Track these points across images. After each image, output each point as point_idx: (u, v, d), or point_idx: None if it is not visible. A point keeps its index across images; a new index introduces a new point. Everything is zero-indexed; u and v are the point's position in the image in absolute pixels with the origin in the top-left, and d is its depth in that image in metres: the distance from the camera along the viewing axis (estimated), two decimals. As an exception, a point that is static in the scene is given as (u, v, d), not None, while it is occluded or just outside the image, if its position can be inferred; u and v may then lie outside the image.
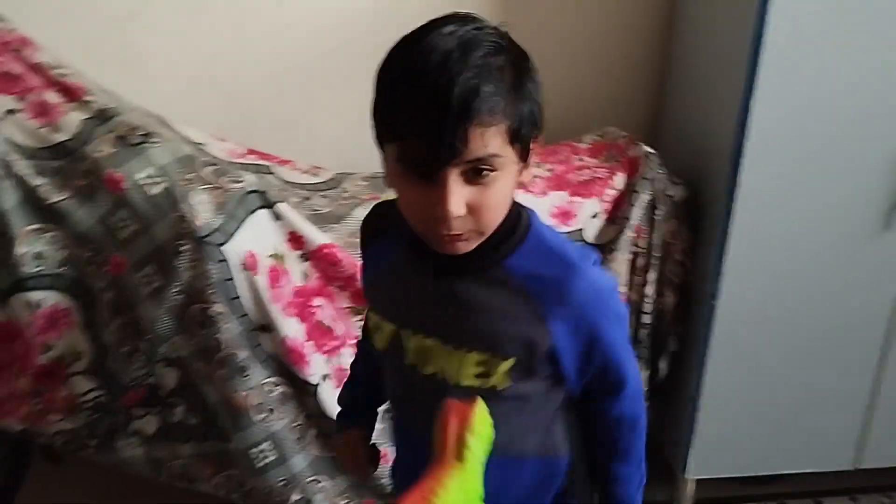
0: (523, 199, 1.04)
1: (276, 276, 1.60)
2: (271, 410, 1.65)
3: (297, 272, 1.65)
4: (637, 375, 1.10)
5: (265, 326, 1.61)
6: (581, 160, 1.98)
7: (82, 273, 1.54)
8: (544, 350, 1.00)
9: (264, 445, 1.66)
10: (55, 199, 1.51)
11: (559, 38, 2.15)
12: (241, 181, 1.58)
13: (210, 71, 2.04)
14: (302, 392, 1.66)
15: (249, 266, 1.55)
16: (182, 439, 1.66)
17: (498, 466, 1.01)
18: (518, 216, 1.01)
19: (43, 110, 1.54)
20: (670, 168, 1.96)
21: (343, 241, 1.71)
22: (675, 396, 2.09)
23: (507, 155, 0.90)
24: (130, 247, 1.52)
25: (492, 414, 0.99)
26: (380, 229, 1.11)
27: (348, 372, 1.32)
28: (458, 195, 0.88)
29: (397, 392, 1.13)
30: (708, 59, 1.96)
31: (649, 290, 1.95)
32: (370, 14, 2.01)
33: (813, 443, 2.11)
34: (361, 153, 2.05)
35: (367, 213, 1.16)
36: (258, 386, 1.62)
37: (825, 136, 1.78)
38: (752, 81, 1.72)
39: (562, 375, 1.04)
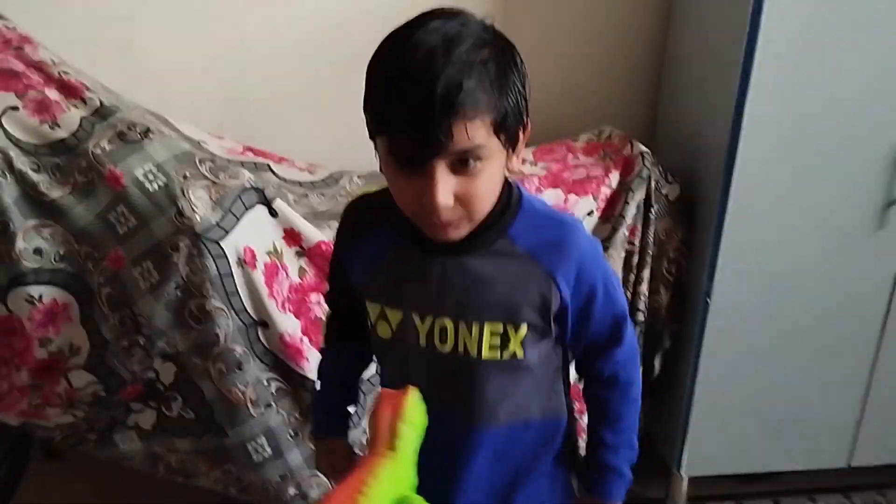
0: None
1: (273, 272, 1.61)
2: (268, 405, 1.66)
3: (294, 268, 1.66)
4: (633, 341, 1.15)
5: (262, 322, 1.62)
6: (576, 159, 1.99)
7: (81, 268, 1.55)
8: (556, 309, 1.06)
9: (261, 440, 1.67)
10: (55, 195, 1.52)
11: (556, 37, 2.16)
12: (238, 178, 1.59)
13: (209, 69, 2.06)
14: (299, 387, 1.67)
15: (247, 262, 1.57)
16: (179, 434, 1.67)
17: (508, 431, 1.11)
18: (509, 190, 1.06)
19: (43, 107, 1.55)
20: (665, 167, 1.97)
21: (340, 239, 1.73)
22: (669, 394, 2.11)
23: (493, 145, 0.94)
24: (129, 242, 1.53)
25: (507, 382, 1.08)
26: (366, 223, 1.13)
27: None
28: (446, 186, 0.92)
29: (410, 374, 1.12)
30: (703, 59, 1.98)
31: (643, 287, 1.97)
32: (369, 13, 2.02)
33: (807, 440, 2.13)
34: (359, 151, 2.08)
35: (348, 207, 1.18)
36: (255, 381, 1.63)
37: (818, 135, 1.80)
38: (745, 81, 1.74)
39: (565, 334, 1.10)
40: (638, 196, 1.92)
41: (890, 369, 2.05)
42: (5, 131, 1.52)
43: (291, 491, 1.74)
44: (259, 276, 1.58)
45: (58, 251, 1.53)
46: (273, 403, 1.66)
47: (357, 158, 2.02)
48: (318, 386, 1.32)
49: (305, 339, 1.66)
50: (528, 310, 1.05)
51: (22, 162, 1.52)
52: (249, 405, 1.64)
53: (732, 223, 1.86)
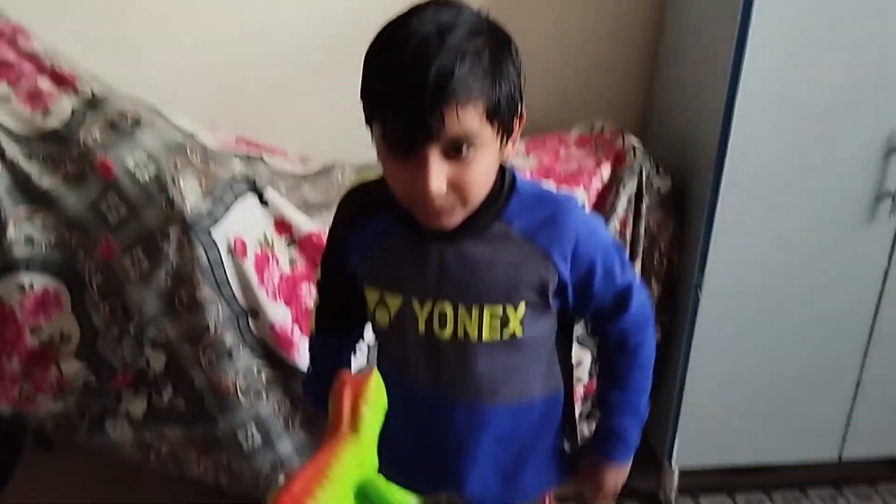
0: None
1: (263, 261, 1.62)
2: (258, 394, 1.67)
3: (285, 258, 1.67)
4: (642, 308, 1.16)
5: (253, 311, 1.63)
6: (568, 151, 2.00)
7: (72, 257, 1.56)
8: (554, 287, 1.08)
9: (251, 429, 1.68)
10: (46, 184, 1.54)
11: (550, 30, 2.16)
12: (229, 167, 1.60)
13: (203, 61, 2.07)
14: (289, 377, 1.68)
15: (237, 251, 1.57)
16: (170, 422, 1.68)
17: (512, 411, 1.14)
18: (503, 174, 1.07)
19: (35, 97, 1.57)
20: (657, 160, 1.98)
21: (331, 229, 1.73)
22: (659, 386, 2.11)
23: (486, 132, 0.95)
24: (120, 231, 1.54)
25: (507, 361, 1.10)
26: (363, 211, 1.14)
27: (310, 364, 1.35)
28: (439, 172, 0.93)
29: (409, 361, 1.14)
30: (696, 52, 1.98)
31: (634, 280, 1.97)
32: (363, 5, 2.02)
33: (798, 433, 2.13)
34: (351, 143, 2.09)
35: (345, 197, 1.19)
36: (245, 370, 1.64)
37: (809, 129, 1.80)
38: (737, 74, 1.74)
39: (566, 307, 1.12)
40: (629, 189, 1.92)
41: (881, 362, 2.05)
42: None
43: (282, 479, 1.74)
44: (249, 265, 1.59)
45: (49, 239, 1.54)
46: (263, 392, 1.67)
47: (350, 150, 2.03)
48: (310, 367, 1.34)
49: (296, 329, 1.67)
50: (527, 290, 1.07)
51: (13, 151, 1.53)
52: (240, 394, 1.65)
53: (723, 216, 1.86)
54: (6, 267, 1.52)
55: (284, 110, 2.14)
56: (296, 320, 1.66)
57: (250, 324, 1.63)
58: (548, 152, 1.99)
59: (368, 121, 0.97)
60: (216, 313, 1.58)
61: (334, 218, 1.20)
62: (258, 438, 1.69)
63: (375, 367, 0.90)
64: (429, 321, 1.09)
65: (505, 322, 1.08)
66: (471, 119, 0.91)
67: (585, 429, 2.06)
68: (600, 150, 1.99)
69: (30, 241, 1.53)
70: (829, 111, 1.79)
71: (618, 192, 1.91)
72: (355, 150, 2.01)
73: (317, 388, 1.31)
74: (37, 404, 1.61)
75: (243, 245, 1.58)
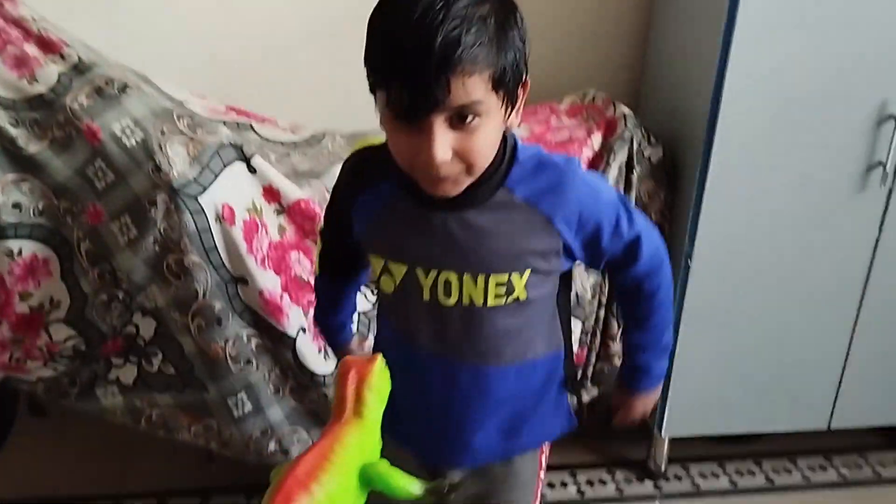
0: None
1: (252, 228, 1.62)
2: (248, 361, 1.67)
3: (274, 226, 1.67)
4: (655, 253, 1.18)
5: (242, 278, 1.63)
6: (559, 121, 1.99)
7: (60, 223, 1.56)
8: (559, 251, 1.09)
9: (241, 395, 1.69)
10: (33, 150, 1.53)
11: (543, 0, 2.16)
12: (216, 134, 1.60)
13: (194, 30, 2.06)
14: (279, 344, 1.69)
15: (225, 218, 1.57)
16: (160, 388, 1.69)
17: (516, 371, 1.15)
18: (504, 141, 1.07)
19: (21, 62, 1.56)
20: (649, 129, 1.97)
21: (321, 197, 1.73)
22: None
23: (491, 101, 0.94)
24: (107, 197, 1.54)
25: (511, 323, 1.11)
26: (366, 176, 1.14)
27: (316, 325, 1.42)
28: (443, 141, 0.93)
29: (413, 326, 1.15)
30: (688, 22, 1.97)
31: (625, 249, 1.97)
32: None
33: (788, 402, 2.14)
34: (342, 112, 2.09)
35: (350, 160, 1.19)
36: (235, 337, 1.64)
37: (800, 99, 1.79)
38: (727, 45, 1.73)
39: (572, 266, 1.14)
40: (620, 158, 1.92)
41: (870, 331, 2.06)
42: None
43: (272, 446, 1.76)
44: (238, 232, 1.59)
45: (37, 206, 1.55)
46: (253, 360, 1.68)
47: (341, 119, 2.03)
48: (316, 303, 1.40)
49: (286, 297, 1.67)
50: (532, 257, 1.08)
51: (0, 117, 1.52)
52: (229, 361, 1.66)
53: (714, 185, 1.86)
54: (-6, 233, 1.52)
55: (275, 80, 2.13)
56: (285, 288, 1.67)
57: (239, 291, 1.63)
58: (539, 122, 1.99)
59: (372, 88, 0.97)
60: (205, 280, 1.58)
61: (339, 179, 1.20)
62: (248, 405, 1.70)
63: (380, 354, 0.90)
64: (433, 289, 1.09)
65: (510, 289, 1.08)
66: (476, 88, 0.91)
67: (585, 395, 2.08)
68: (591, 119, 1.98)
69: (17, 207, 1.53)
70: (820, 81, 1.78)
71: (608, 161, 1.91)
72: (346, 118, 2.02)
73: (324, 322, 1.40)
74: (27, 370, 1.62)
75: (231, 212, 1.58)
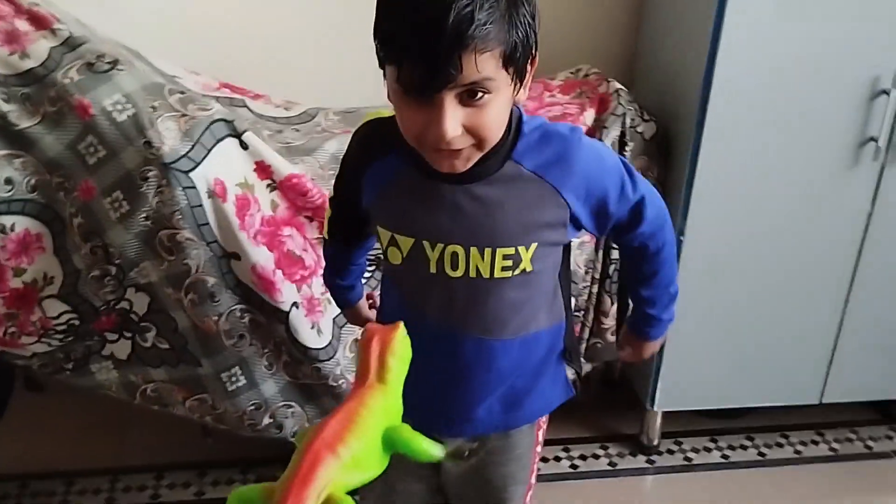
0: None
1: (244, 204, 1.62)
2: (241, 336, 1.68)
3: (266, 202, 1.67)
4: (657, 213, 1.19)
5: (234, 254, 1.63)
6: (553, 97, 1.99)
7: (52, 198, 1.57)
8: (566, 222, 1.10)
9: (235, 370, 1.70)
10: (24, 125, 1.53)
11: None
12: (208, 109, 1.60)
13: (187, 6, 2.05)
14: (272, 319, 1.69)
15: (217, 193, 1.58)
16: (154, 363, 1.70)
17: (520, 346, 1.17)
18: (510, 114, 1.06)
19: (12, 38, 1.55)
20: (642, 105, 1.97)
21: (313, 173, 1.73)
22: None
23: (501, 77, 0.95)
24: (99, 172, 1.54)
25: (516, 295, 1.12)
26: (375, 148, 1.14)
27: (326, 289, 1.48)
28: (454, 117, 0.94)
29: (419, 296, 1.16)
30: (681, -2, 1.97)
31: (617, 224, 1.97)
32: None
33: (779, 377, 2.16)
34: (336, 88, 2.09)
35: (360, 131, 1.19)
36: (228, 312, 1.65)
37: (793, 74, 1.80)
38: (720, 20, 1.74)
39: (576, 236, 1.15)
40: (612, 134, 1.92)
41: (862, 306, 2.07)
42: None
43: (266, 420, 1.77)
44: (230, 207, 1.59)
45: (29, 181, 1.55)
46: (246, 335, 1.69)
47: (334, 95, 2.03)
48: (326, 267, 1.42)
49: (278, 272, 1.67)
50: (540, 229, 1.09)
51: (-9, 92, 1.52)
52: (223, 336, 1.66)
53: (706, 161, 1.86)
54: (-14, 209, 1.53)
55: (268, 56, 2.13)
56: (278, 264, 1.67)
57: (232, 266, 1.64)
58: (532, 98, 1.99)
59: (381, 62, 0.97)
60: (197, 256, 1.59)
61: (348, 149, 1.21)
62: (241, 380, 1.71)
63: (402, 322, 0.91)
64: (440, 261, 1.10)
65: (517, 262, 1.09)
66: (488, 65, 0.91)
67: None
68: (585, 95, 1.98)
69: (9, 182, 1.53)
70: (813, 56, 1.78)
71: (601, 137, 1.91)
72: (340, 94, 2.02)
73: (332, 284, 1.43)
74: (21, 345, 1.63)
75: (223, 188, 1.59)
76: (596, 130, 1.92)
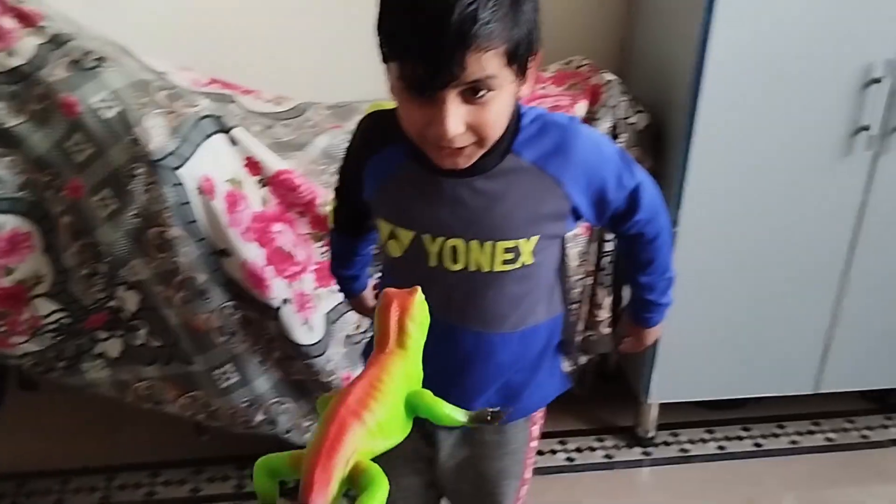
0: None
1: (233, 200, 1.61)
2: (233, 333, 1.68)
3: (256, 198, 1.66)
4: (652, 201, 1.19)
5: (224, 251, 1.62)
6: (543, 89, 1.98)
7: (41, 197, 1.56)
8: (566, 213, 1.10)
9: (227, 367, 1.70)
10: (11, 124, 1.52)
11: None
12: (196, 105, 1.59)
13: (178, 3, 2.04)
14: (263, 315, 1.69)
15: (206, 190, 1.57)
16: (146, 361, 1.69)
17: (519, 339, 1.17)
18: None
19: (-2, 35, 1.55)
20: (635, 96, 1.96)
21: (304, 169, 1.73)
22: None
23: (504, 75, 0.94)
24: (87, 171, 1.53)
25: (516, 289, 1.12)
26: (382, 139, 1.13)
27: (332, 277, 1.47)
28: (456, 115, 0.94)
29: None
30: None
31: (610, 216, 1.97)
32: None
33: (774, 367, 2.15)
34: (327, 83, 2.08)
35: (363, 122, 1.19)
36: (219, 309, 1.64)
37: (785, 63, 1.79)
38: (711, 10, 1.72)
39: (574, 227, 1.16)
40: (604, 125, 1.91)
41: (856, 296, 2.06)
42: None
43: (259, 417, 1.77)
44: (219, 204, 1.58)
45: (17, 180, 1.54)
46: (238, 331, 1.68)
47: (326, 89, 2.02)
48: (332, 256, 1.43)
49: (269, 269, 1.67)
50: (541, 221, 1.09)
51: (-24, 90, 1.52)
52: (214, 333, 1.66)
53: (699, 152, 1.85)
54: (-26, 208, 1.52)
55: (260, 51, 2.12)
56: (268, 260, 1.66)
57: (222, 263, 1.63)
58: (523, 90, 1.98)
59: (384, 58, 0.96)
60: (187, 253, 1.58)
61: (352, 140, 1.21)
62: (234, 376, 1.71)
63: (419, 287, 0.91)
64: (440, 255, 1.10)
65: (517, 255, 1.09)
66: (491, 63, 0.91)
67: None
68: (577, 87, 1.97)
69: (-3, 181, 1.53)
70: (805, 45, 1.77)
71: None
72: (330, 89, 2.02)
73: (338, 273, 1.45)
74: (12, 345, 1.62)
75: (212, 185, 1.58)
76: (588, 122, 1.91)
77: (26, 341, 1.62)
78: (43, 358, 1.67)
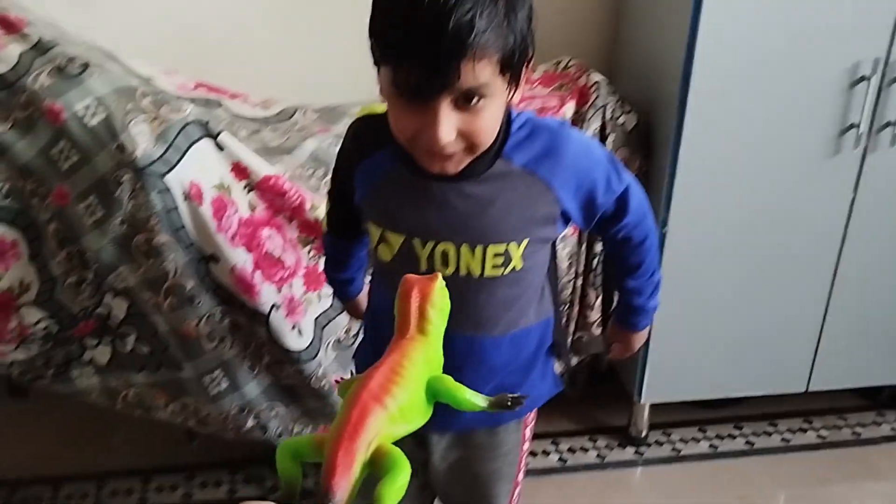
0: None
1: (221, 206, 1.61)
2: (222, 339, 1.67)
3: (244, 203, 1.66)
4: (640, 199, 1.19)
5: (213, 256, 1.62)
6: (531, 90, 1.98)
7: (27, 205, 1.55)
8: (557, 217, 1.10)
9: (216, 373, 1.69)
10: (-4, 132, 1.52)
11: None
12: (182, 111, 1.58)
13: (165, 5, 2.03)
14: (252, 321, 1.68)
15: (193, 196, 1.56)
16: (135, 368, 1.69)
17: (510, 343, 1.17)
18: None
19: (-19, 43, 1.54)
20: (623, 96, 1.96)
21: (292, 173, 1.72)
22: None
23: (498, 83, 0.94)
24: (73, 178, 1.52)
25: (506, 293, 1.13)
26: (373, 143, 1.13)
27: (326, 281, 1.49)
28: (449, 122, 0.94)
29: None
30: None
31: (600, 217, 1.97)
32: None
33: (766, 366, 2.16)
34: (315, 87, 2.07)
35: (354, 126, 1.19)
36: (208, 315, 1.64)
37: (773, 62, 1.79)
38: (698, 9, 1.72)
39: (564, 231, 1.16)
40: (593, 126, 1.91)
41: (846, 294, 2.07)
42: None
43: (250, 422, 1.76)
44: (206, 210, 1.58)
45: (2, 188, 1.53)
46: (227, 337, 1.68)
47: (313, 93, 2.01)
48: (326, 259, 1.44)
49: (257, 274, 1.66)
50: (531, 225, 1.09)
51: (-40, 99, 1.51)
52: (203, 339, 1.65)
53: (688, 151, 1.85)
54: (-40, 217, 1.51)
55: (247, 55, 2.11)
56: (257, 265, 1.66)
57: (210, 269, 1.63)
58: (512, 91, 1.97)
59: (377, 62, 0.96)
60: (175, 259, 1.57)
61: (343, 144, 1.20)
62: (224, 382, 1.70)
63: (439, 273, 0.91)
64: (430, 259, 1.10)
65: (507, 259, 1.09)
66: (485, 71, 0.91)
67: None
68: (564, 88, 1.97)
69: (-18, 190, 1.52)
70: (792, 44, 1.78)
71: (582, 129, 1.90)
72: (318, 93, 2.01)
73: (332, 277, 1.44)
74: (1, 353, 1.62)
75: (199, 190, 1.57)
76: (576, 123, 1.91)
77: (14, 349, 1.62)
78: (32, 366, 1.66)
